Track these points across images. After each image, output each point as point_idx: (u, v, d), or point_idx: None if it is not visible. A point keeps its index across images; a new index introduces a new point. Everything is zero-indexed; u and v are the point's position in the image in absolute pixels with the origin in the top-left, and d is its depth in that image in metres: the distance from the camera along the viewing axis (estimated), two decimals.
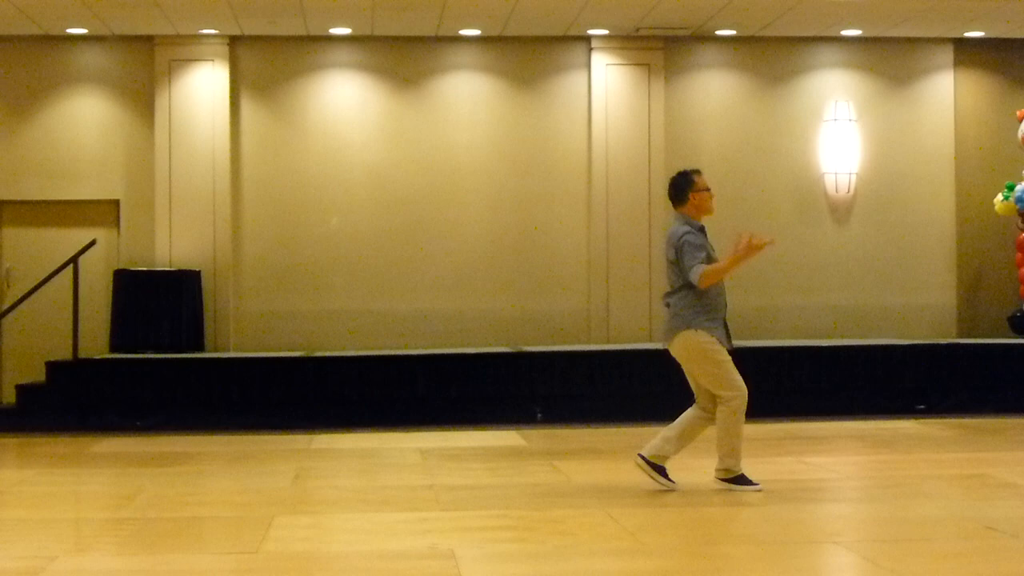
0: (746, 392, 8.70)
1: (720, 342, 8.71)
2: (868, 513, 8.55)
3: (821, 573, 6.80)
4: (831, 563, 6.91)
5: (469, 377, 13.77)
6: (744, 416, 8.70)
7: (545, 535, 7.56)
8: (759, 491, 8.72)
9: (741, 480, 8.78)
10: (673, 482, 8.82)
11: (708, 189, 8.92)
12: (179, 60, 15.19)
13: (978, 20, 14.98)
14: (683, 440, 8.83)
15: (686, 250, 8.68)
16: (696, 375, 8.80)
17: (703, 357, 8.71)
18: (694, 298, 8.72)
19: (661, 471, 8.82)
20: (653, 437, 8.89)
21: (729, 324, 8.88)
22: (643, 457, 8.83)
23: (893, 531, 7.73)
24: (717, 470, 8.82)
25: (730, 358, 8.73)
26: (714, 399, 8.76)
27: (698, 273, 8.62)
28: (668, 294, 8.87)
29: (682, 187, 8.91)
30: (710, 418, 8.78)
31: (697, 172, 8.97)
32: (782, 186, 15.85)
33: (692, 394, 8.89)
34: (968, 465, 10.36)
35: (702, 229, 8.88)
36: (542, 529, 7.71)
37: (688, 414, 8.85)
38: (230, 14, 14.27)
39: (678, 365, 8.91)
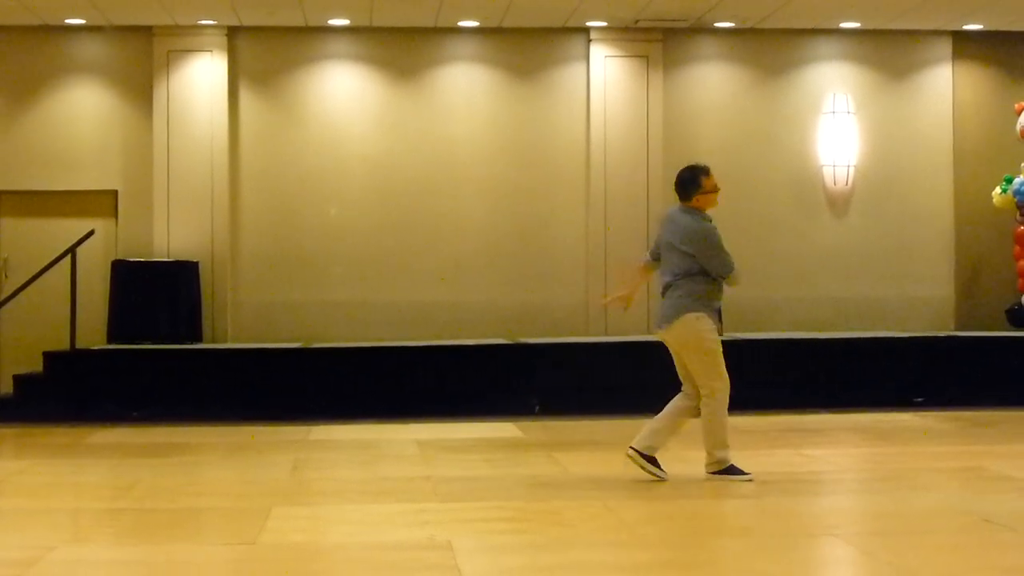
0: (729, 384, 8.76)
1: (716, 329, 8.78)
2: (866, 506, 8.56)
3: (819, 566, 6.81)
4: (829, 556, 6.92)
5: (467, 369, 13.76)
6: (727, 407, 8.76)
7: (543, 526, 7.56)
8: (750, 480, 8.73)
9: (732, 471, 8.79)
10: (665, 472, 8.83)
11: (716, 190, 8.94)
12: (177, 51, 15.17)
13: (977, 13, 14.96)
14: (672, 430, 8.86)
15: (717, 248, 8.73)
16: (687, 361, 8.81)
17: (700, 344, 8.74)
18: (704, 285, 8.76)
19: (654, 462, 8.82)
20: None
21: (723, 313, 8.92)
22: (635, 449, 8.83)
23: (891, 524, 7.73)
24: (708, 464, 8.83)
25: (721, 349, 8.76)
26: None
27: (739, 275, 8.80)
28: (673, 281, 8.84)
29: (687, 187, 8.92)
30: (696, 407, 8.80)
31: (706, 173, 8.93)
32: (780, 178, 15.83)
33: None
34: (966, 458, 10.37)
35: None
36: (540, 520, 7.71)
37: (674, 403, 8.88)
38: (228, 5, 14.25)
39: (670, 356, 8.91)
